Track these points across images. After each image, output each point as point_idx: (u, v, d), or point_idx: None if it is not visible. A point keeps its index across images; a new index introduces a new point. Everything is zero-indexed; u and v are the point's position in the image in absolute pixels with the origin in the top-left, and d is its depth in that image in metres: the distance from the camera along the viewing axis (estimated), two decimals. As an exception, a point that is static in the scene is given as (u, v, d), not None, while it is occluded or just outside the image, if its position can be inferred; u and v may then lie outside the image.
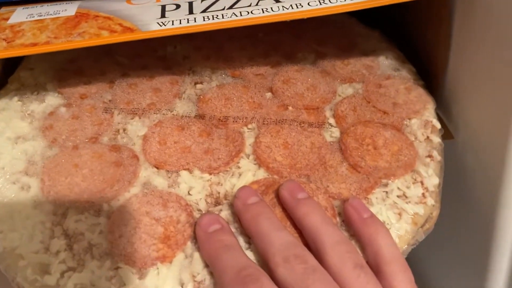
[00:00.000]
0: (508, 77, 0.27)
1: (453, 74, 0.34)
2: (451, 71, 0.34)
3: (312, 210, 0.25)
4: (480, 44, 0.30)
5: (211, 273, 0.24)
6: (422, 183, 0.29)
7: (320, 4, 0.30)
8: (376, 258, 0.24)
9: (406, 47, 0.39)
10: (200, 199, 0.27)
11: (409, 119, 0.33)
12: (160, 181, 0.28)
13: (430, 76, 0.36)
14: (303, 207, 0.25)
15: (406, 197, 0.28)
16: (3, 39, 0.30)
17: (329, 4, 0.30)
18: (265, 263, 0.23)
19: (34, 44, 0.30)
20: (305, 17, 0.30)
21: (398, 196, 0.28)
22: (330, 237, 0.24)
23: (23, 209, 0.27)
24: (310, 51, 0.38)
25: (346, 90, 0.35)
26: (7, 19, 0.32)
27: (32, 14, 0.33)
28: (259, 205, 0.26)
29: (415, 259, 0.28)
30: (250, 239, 0.25)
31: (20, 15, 0.33)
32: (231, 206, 0.27)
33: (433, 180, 0.29)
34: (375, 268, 0.24)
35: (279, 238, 0.23)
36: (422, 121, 0.32)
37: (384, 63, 0.37)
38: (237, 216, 0.26)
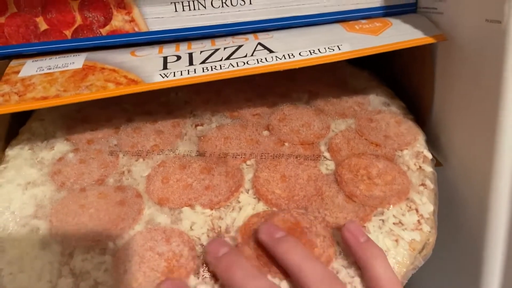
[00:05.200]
0: (484, 110, 0.30)
1: (439, 109, 0.36)
2: (436, 106, 0.36)
3: (291, 247, 0.25)
4: (461, 81, 0.32)
5: (214, 305, 0.25)
6: (417, 210, 0.30)
7: (311, 54, 0.32)
8: (374, 283, 0.25)
9: (395, 84, 0.41)
10: (202, 233, 0.28)
11: (401, 150, 0.34)
12: (163, 218, 0.29)
13: (418, 111, 0.38)
14: (282, 246, 0.26)
15: (402, 224, 0.29)
16: (15, 93, 0.32)
17: (319, 54, 0.32)
18: None
19: (45, 98, 0.31)
20: (297, 67, 0.32)
21: (394, 224, 0.29)
22: (313, 274, 0.24)
23: (31, 251, 0.28)
24: (304, 91, 0.40)
25: (339, 125, 0.36)
26: (18, 72, 0.34)
27: (41, 67, 0.34)
28: (230, 254, 0.26)
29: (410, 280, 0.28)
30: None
31: (30, 68, 0.34)
32: (232, 239, 0.28)
33: (427, 207, 0.30)
34: None
35: (255, 287, 0.24)
36: (414, 152, 0.34)
37: (375, 100, 0.39)
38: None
